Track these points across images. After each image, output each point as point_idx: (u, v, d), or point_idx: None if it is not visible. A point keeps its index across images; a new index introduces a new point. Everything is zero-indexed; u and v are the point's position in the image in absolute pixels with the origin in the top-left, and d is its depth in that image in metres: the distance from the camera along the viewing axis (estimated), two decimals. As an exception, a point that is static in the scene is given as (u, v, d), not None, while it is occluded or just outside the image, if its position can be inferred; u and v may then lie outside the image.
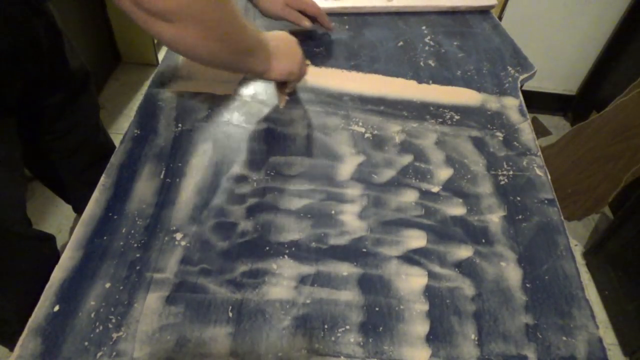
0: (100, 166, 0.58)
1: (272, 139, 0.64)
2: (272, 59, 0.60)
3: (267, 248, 0.51)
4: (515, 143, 0.68)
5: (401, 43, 0.85)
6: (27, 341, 0.42)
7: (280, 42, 0.63)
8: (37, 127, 0.85)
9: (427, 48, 0.85)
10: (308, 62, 0.78)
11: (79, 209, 1.19)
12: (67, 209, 1.28)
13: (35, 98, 0.79)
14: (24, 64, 0.69)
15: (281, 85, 0.69)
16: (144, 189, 0.56)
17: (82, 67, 0.88)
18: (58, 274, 0.47)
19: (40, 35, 0.70)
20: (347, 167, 0.61)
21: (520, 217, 0.58)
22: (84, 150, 0.96)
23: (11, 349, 0.94)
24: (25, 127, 0.77)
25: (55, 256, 0.89)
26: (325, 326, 0.46)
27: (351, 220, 0.55)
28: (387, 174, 0.61)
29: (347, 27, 0.89)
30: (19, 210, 0.75)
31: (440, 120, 0.70)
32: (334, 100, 0.72)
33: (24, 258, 0.79)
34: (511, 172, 0.63)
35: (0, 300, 0.80)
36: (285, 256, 0.51)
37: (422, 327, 0.46)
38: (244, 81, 0.73)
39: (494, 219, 0.57)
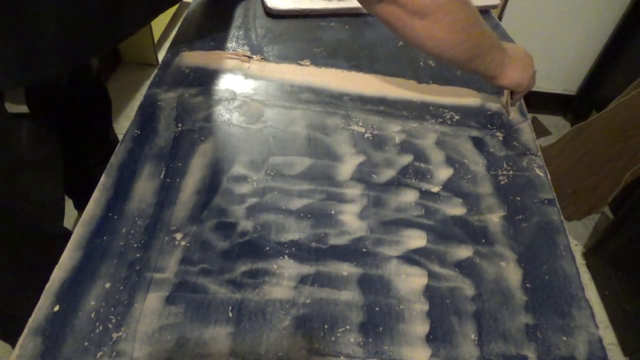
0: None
1: (272, 139, 0.64)
2: (506, 65, 0.63)
3: (267, 248, 0.51)
4: (515, 143, 0.68)
5: (401, 43, 0.85)
6: (27, 341, 0.42)
7: (516, 53, 0.65)
8: (61, 124, 0.86)
9: (427, 48, 0.85)
10: (308, 62, 0.78)
11: (81, 206, 1.20)
12: (68, 209, 1.27)
13: (67, 97, 0.81)
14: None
15: (510, 94, 0.71)
16: (144, 189, 0.56)
17: (95, 64, 0.89)
18: (58, 274, 0.47)
19: None
20: (347, 167, 0.61)
21: (520, 217, 0.58)
22: (97, 147, 0.98)
23: (14, 346, 0.94)
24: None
25: None
26: (325, 326, 0.46)
27: (351, 220, 0.55)
28: (387, 174, 0.61)
29: (347, 27, 0.89)
30: (55, 209, 0.76)
31: (440, 120, 0.70)
32: (334, 100, 0.72)
33: (50, 257, 0.79)
34: (511, 172, 0.63)
35: (20, 297, 0.80)
36: (285, 256, 0.51)
37: (422, 327, 0.46)
38: (243, 80, 0.73)
39: (494, 219, 0.57)
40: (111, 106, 1.01)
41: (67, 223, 1.31)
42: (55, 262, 0.81)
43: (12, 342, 0.91)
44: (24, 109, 0.63)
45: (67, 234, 0.85)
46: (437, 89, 0.76)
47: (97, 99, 0.93)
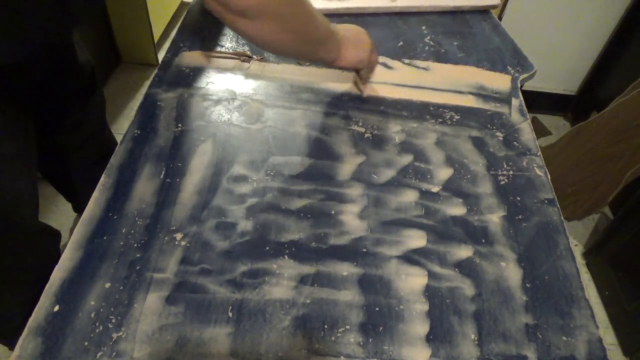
0: (104, 164, 0.59)
1: (272, 139, 0.64)
2: (341, 48, 0.64)
3: (267, 248, 0.51)
4: (515, 143, 0.68)
5: (401, 43, 0.85)
6: (27, 341, 0.42)
7: (349, 32, 0.66)
8: (46, 121, 0.86)
9: (427, 48, 0.85)
10: (308, 62, 0.78)
11: (79, 208, 1.19)
12: (67, 209, 1.28)
13: (47, 92, 0.80)
14: (41, 59, 0.70)
15: (357, 73, 0.72)
16: (144, 189, 0.56)
17: (89, 62, 0.89)
18: (58, 274, 0.47)
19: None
20: (347, 167, 0.61)
21: (520, 217, 0.58)
22: (90, 146, 0.97)
23: (11, 347, 0.94)
24: (35, 121, 0.77)
25: (57, 254, 0.90)
26: (325, 326, 0.46)
27: (351, 220, 0.55)
28: (387, 174, 0.61)
29: (347, 27, 0.89)
30: (29, 204, 0.76)
31: (440, 120, 0.70)
32: (334, 100, 0.72)
33: (30, 252, 0.79)
34: (511, 172, 0.63)
35: (5, 294, 0.80)
36: (285, 256, 0.51)
37: (422, 327, 0.46)
38: (243, 80, 0.73)
39: (494, 219, 0.57)
40: (105, 105, 1.00)
41: (67, 223, 1.31)
42: (38, 257, 0.81)
43: (6, 342, 0.91)
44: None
45: (47, 229, 0.85)
46: (437, 89, 0.76)
47: (89, 98, 0.91)
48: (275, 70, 0.76)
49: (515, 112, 0.73)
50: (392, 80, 0.77)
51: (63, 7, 0.59)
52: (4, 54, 0.57)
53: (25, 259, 0.79)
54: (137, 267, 0.48)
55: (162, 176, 0.58)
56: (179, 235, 0.52)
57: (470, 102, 0.74)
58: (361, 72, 0.71)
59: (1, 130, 0.65)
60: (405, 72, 0.79)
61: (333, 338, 0.45)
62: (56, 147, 0.93)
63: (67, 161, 0.97)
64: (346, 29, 0.66)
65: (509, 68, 0.82)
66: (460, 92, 0.76)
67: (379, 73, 0.78)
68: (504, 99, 0.76)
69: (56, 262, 0.48)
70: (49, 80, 0.77)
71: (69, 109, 0.87)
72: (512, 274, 0.52)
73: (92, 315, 0.44)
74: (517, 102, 0.75)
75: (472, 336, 0.46)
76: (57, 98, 0.83)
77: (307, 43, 0.60)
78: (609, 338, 1.23)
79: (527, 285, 0.51)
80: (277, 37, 0.55)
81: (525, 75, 0.81)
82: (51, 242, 0.87)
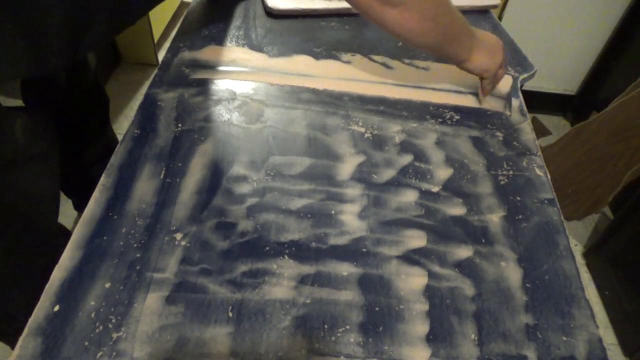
0: (106, 163, 0.59)
1: (272, 139, 0.64)
2: (474, 50, 0.65)
3: (267, 248, 0.51)
4: (515, 143, 0.68)
5: (401, 43, 0.85)
6: (27, 341, 0.42)
7: (487, 39, 0.68)
8: (60, 122, 0.86)
9: (427, 48, 0.85)
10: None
11: (80, 206, 1.19)
12: (67, 209, 1.28)
13: (66, 93, 0.80)
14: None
15: (480, 81, 0.72)
16: (144, 189, 0.56)
17: (92, 60, 0.89)
18: (58, 274, 0.47)
19: None
20: (347, 167, 0.61)
21: (520, 217, 0.58)
22: (94, 145, 0.97)
23: (13, 346, 0.94)
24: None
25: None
26: (325, 326, 0.46)
27: (351, 220, 0.55)
28: (387, 173, 0.61)
29: (347, 27, 0.89)
30: (50, 205, 0.76)
31: (440, 120, 0.70)
32: (334, 100, 0.72)
33: (44, 253, 0.79)
34: (511, 172, 0.63)
35: (14, 294, 0.79)
36: (285, 256, 0.51)
37: (422, 327, 0.46)
38: (243, 80, 0.73)
39: (494, 218, 0.57)
40: (109, 104, 1.01)
41: (67, 223, 1.31)
42: (51, 258, 0.81)
43: (8, 342, 0.91)
44: (18, 102, 0.63)
45: (62, 230, 0.85)
46: (436, 89, 0.76)
47: (94, 97, 0.92)
48: (275, 64, 0.76)
49: (515, 112, 0.73)
50: (392, 80, 0.77)
51: (120, 9, 0.59)
52: (64, 60, 0.57)
53: (40, 260, 0.79)
54: (137, 267, 0.48)
55: (162, 176, 0.58)
56: (179, 235, 0.52)
57: (470, 102, 0.74)
58: (484, 82, 0.71)
59: (29, 131, 0.66)
60: (405, 72, 0.79)
61: (333, 338, 0.45)
62: (64, 147, 0.93)
63: (72, 160, 0.97)
64: (485, 37, 0.68)
65: (509, 68, 0.82)
66: (460, 92, 0.76)
67: (379, 73, 0.78)
68: (504, 99, 0.76)
69: None
70: (67, 82, 0.77)
71: (76, 108, 0.88)
72: (512, 274, 0.52)
73: (92, 315, 0.44)
74: (517, 102, 0.75)
75: (472, 336, 0.46)
76: (69, 99, 0.84)
77: (444, 34, 0.61)
78: (609, 338, 1.23)
79: (527, 285, 0.51)
80: (417, 26, 0.58)
81: (525, 75, 0.81)
82: (62, 243, 0.87)
